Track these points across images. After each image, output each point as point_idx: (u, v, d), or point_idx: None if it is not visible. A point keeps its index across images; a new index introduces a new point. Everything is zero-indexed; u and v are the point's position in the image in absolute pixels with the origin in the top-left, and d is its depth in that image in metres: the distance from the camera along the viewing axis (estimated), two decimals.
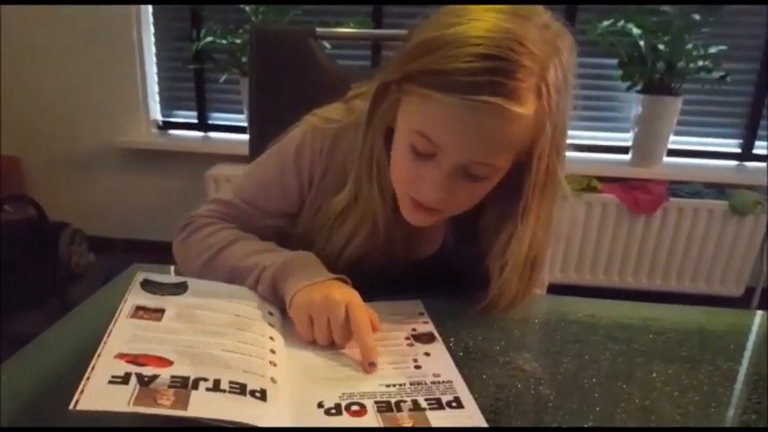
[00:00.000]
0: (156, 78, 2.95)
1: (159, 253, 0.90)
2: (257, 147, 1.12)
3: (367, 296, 0.71)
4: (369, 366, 0.63)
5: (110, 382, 0.50)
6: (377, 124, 0.76)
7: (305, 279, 0.71)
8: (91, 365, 0.51)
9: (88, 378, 0.50)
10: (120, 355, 0.54)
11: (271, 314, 0.72)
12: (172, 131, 3.03)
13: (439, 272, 0.84)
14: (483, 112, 0.63)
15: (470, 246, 0.83)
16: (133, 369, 0.52)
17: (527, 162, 0.71)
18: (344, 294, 0.69)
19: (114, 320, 0.60)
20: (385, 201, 0.80)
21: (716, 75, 2.40)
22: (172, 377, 0.52)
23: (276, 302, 0.74)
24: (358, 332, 0.65)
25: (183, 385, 0.51)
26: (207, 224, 0.86)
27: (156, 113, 3.01)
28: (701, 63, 2.37)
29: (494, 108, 0.63)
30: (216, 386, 0.52)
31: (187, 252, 0.85)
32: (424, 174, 0.71)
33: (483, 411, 0.56)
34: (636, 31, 2.35)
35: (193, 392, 0.51)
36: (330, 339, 0.67)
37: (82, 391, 0.48)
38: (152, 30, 2.87)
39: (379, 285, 0.77)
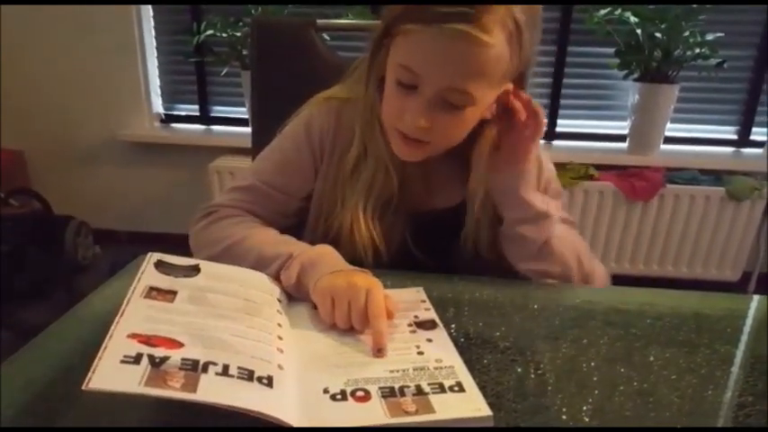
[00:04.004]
0: (157, 72, 2.95)
1: (163, 244, 0.91)
2: (260, 139, 1.13)
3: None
4: (377, 352, 0.65)
5: (122, 361, 0.50)
6: (372, 76, 0.86)
7: (331, 267, 0.75)
8: (104, 345, 0.52)
9: (101, 358, 0.50)
10: (133, 335, 0.54)
11: (279, 301, 0.73)
12: (174, 124, 3.03)
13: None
14: (456, 39, 0.72)
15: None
16: (145, 350, 0.53)
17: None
18: (366, 281, 0.72)
19: (127, 299, 0.61)
20: (388, 143, 0.86)
21: (713, 62, 2.39)
22: (183, 359, 0.53)
23: (294, 290, 0.76)
24: (372, 318, 0.67)
25: (194, 368, 0.52)
26: (232, 215, 0.90)
27: (159, 107, 3.01)
28: (698, 50, 2.36)
29: (464, 35, 0.71)
30: (225, 371, 0.53)
31: (206, 239, 0.88)
32: (407, 104, 0.79)
33: (484, 395, 0.57)
34: (633, 19, 2.35)
35: (203, 376, 0.52)
36: (349, 323, 0.69)
37: (94, 371, 0.48)
38: (152, 23, 2.87)
39: (410, 235, 0.91)
